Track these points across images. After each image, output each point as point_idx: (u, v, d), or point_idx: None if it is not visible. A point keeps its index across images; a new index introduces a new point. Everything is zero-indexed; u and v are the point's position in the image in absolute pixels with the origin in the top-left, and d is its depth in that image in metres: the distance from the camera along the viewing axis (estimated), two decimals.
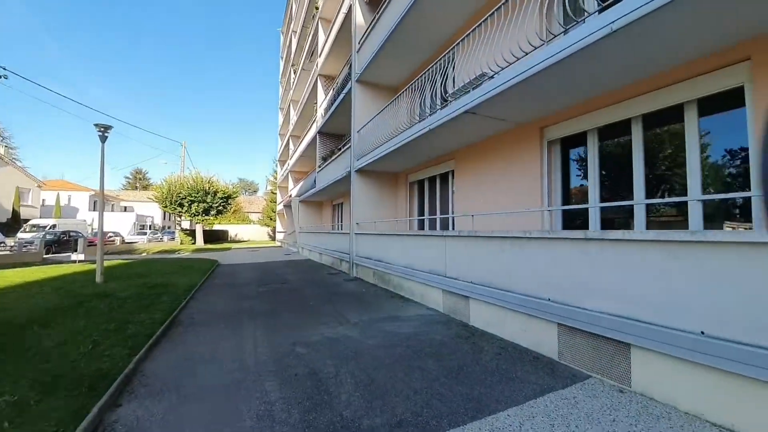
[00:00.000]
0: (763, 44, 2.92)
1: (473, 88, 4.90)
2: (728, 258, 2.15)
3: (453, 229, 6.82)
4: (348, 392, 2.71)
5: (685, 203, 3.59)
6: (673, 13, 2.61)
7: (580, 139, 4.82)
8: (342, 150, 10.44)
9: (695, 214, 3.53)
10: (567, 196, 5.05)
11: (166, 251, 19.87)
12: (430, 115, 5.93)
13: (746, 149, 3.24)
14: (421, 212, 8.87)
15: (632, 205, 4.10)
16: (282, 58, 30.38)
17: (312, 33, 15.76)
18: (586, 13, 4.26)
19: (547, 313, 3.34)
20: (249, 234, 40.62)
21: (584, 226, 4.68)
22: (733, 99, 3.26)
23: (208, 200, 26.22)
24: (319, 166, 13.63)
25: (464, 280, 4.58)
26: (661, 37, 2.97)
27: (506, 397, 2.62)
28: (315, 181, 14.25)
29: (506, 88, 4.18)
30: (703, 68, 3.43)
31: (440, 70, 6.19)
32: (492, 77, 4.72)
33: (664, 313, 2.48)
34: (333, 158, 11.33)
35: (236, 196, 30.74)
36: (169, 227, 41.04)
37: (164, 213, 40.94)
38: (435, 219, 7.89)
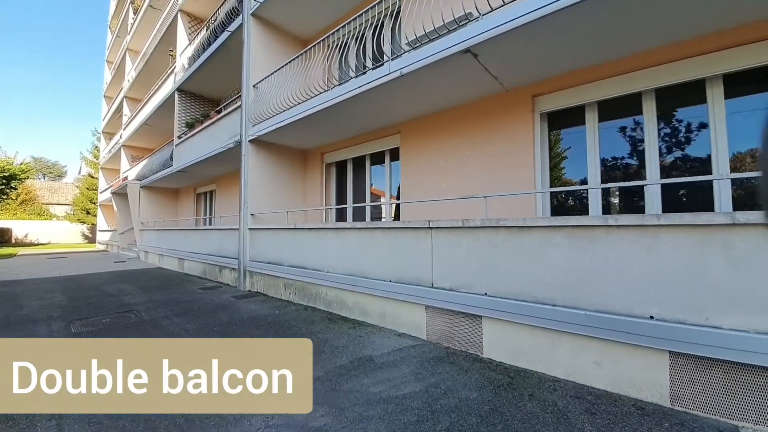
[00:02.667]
0: None
1: (455, 29, 3.50)
2: None
3: (395, 220, 5.28)
4: None
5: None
6: None
7: (575, 115, 4.06)
8: (224, 113, 7.46)
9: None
10: (552, 180, 4.25)
11: None
12: (366, 70, 4.22)
13: None
14: (342, 203, 7.01)
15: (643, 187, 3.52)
16: None
17: None
18: None
19: (651, 337, 2.21)
20: (51, 234, 28.64)
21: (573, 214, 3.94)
22: None
23: None
24: (179, 137, 9.84)
25: (470, 291, 3.12)
26: None
27: None
28: (171, 157, 10.28)
29: (529, 21, 2.94)
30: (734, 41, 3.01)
31: (374, 22, 4.59)
32: (477, 19, 3.45)
33: None
34: (208, 124, 8.08)
35: (26, 177, 20.97)
36: None
37: None
38: (378, 208, 6.18)
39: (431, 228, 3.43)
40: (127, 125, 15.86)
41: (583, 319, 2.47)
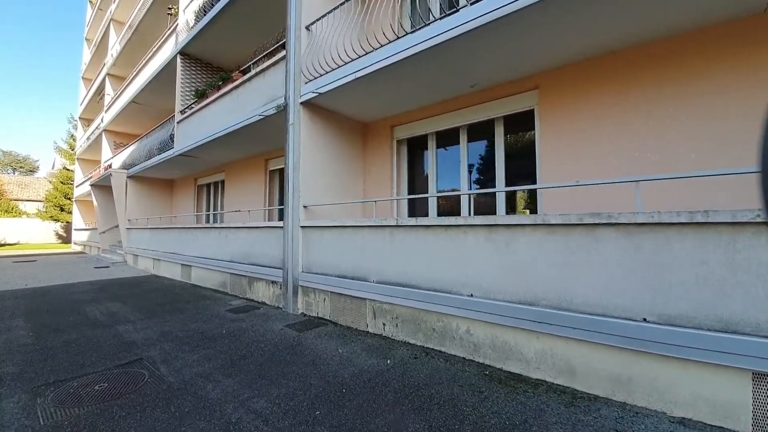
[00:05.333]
0: None
1: None
2: None
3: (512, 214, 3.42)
4: None
5: None
6: None
7: None
8: (257, 71, 5.54)
9: None
10: None
11: None
12: None
13: None
14: (416, 191, 5.26)
15: None
16: None
17: None
18: None
19: None
20: (21, 233, 25.64)
21: None
22: None
23: None
24: (183, 112, 7.85)
25: None
26: None
27: None
28: (172, 138, 8.27)
29: None
30: None
31: None
32: None
33: None
34: (229, 88, 6.11)
35: None
36: None
37: None
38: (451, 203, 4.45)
39: None
40: (110, 106, 13.58)
41: None
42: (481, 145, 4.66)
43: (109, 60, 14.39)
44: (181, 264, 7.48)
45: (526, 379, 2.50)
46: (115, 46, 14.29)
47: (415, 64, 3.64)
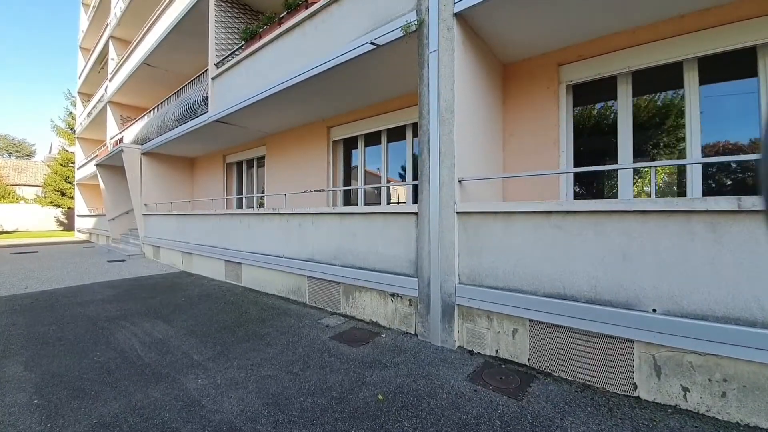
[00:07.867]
0: None
1: None
2: None
3: None
4: None
5: None
6: None
7: None
8: None
9: None
10: None
11: None
12: None
13: None
14: (585, 162, 3.61)
15: None
16: None
17: None
18: None
19: None
20: (18, 219, 23.99)
21: None
22: None
23: None
24: (219, 64, 6.09)
25: None
26: None
27: None
28: (205, 100, 6.52)
29: None
30: None
31: None
32: None
33: None
34: (303, 17, 4.32)
35: None
36: None
37: None
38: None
39: None
40: (116, 72, 11.70)
41: None
42: (723, 87, 2.99)
43: (112, 20, 12.41)
44: (225, 260, 5.87)
45: None
46: (118, 4, 12.30)
47: None
